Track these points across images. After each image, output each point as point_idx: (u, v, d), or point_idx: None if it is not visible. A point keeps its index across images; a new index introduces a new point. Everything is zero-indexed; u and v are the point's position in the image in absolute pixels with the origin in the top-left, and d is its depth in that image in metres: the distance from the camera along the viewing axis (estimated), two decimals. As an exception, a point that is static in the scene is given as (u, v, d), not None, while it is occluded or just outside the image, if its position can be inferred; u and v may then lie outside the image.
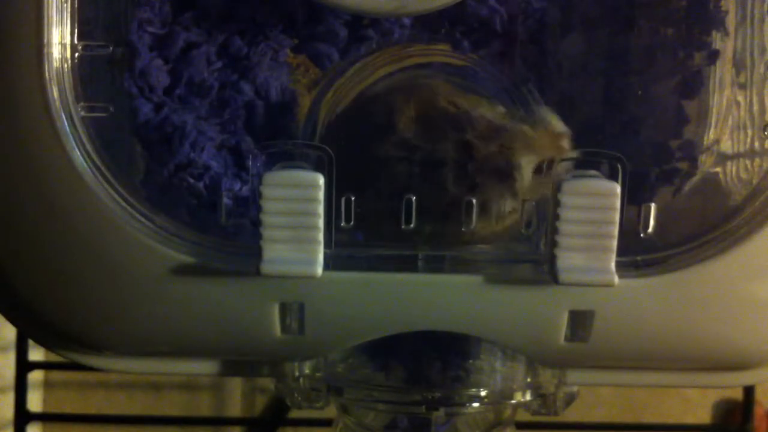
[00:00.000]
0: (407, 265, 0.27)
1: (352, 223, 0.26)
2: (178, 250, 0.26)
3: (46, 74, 0.25)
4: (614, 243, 0.25)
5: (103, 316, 0.27)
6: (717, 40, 0.28)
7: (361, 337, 0.27)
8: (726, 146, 0.28)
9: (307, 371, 0.29)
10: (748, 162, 0.28)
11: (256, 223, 0.25)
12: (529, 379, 0.29)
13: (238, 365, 0.30)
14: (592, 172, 0.25)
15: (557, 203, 0.25)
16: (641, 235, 0.27)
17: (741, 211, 0.27)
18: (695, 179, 0.28)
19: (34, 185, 0.26)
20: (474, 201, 0.27)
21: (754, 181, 0.27)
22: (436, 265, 0.27)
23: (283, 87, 0.30)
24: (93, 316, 0.27)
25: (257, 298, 0.26)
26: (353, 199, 0.26)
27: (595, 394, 0.59)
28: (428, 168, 0.27)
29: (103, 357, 0.29)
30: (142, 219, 0.26)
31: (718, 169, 0.28)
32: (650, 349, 0.27)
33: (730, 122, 0.28)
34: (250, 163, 0.27)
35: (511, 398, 0.29)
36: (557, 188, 0.25)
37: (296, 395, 0.30)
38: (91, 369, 0.30)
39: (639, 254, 0.27)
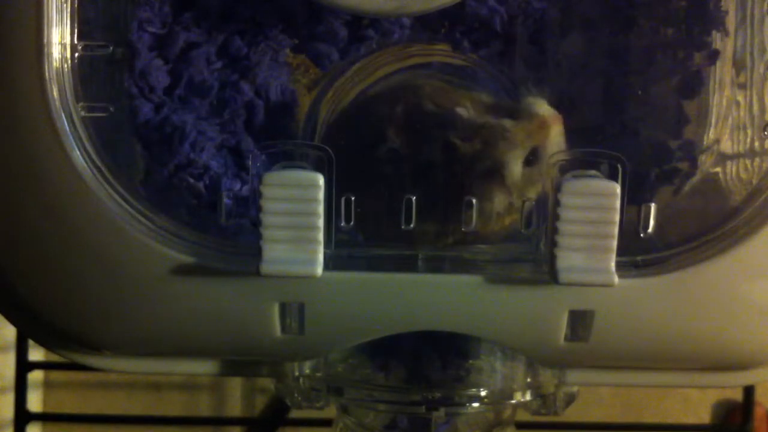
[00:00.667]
0: (407, 265, 0.27)
1: (352, 223, 0.26)
2: (178, 250, 0.26)
3: (46, 74, 0.25)
4: (614, 243, 0.25)
5: (103, 316, 0.27)
6: (717, 40, 0.28)
7: (361, 337, 0.27)
8: (726, 146, 0.28)
9: (307, 371, 0.29)
10: (748, 162, 0.28)
11: (256, 223, 0.25)
12: (529, 379, 0.29)
13: (238, 365, 0.30)
14: (592, 172, 0.25)
15: (557, 203, 0.25)
16: (641, 235, 0.27)
17: (741, 211, 0.27)
18: (695, 179, 0.28)
19: (34, 185, 0.26)
20: (473, 201, 0.27)
21: (754, 181, 0.27)
22: (436, 265, 0.27)
23: (283, 87, 0.30)
24: (93, 316, 0.27)
25: (257, 298, 0.26)
26: (353, 199, 0.26)
27: (595, 394, 0.59)
28: (422, 170, 0.27)
29: (103, 357, 0.29)
30: (142, 219, 0.26)
31: (718, 169, 0.28)
32: (650, 349, 0.27)
33: (730, 122, 0.28)
34: (250, 163, 0.27)
35: (511, 398, 0.29)
36: (557, 188, 0.25)
37: (296, 395, 0.30)
38: (91, 369, 0.30)
39: (639, 254, 0.27)
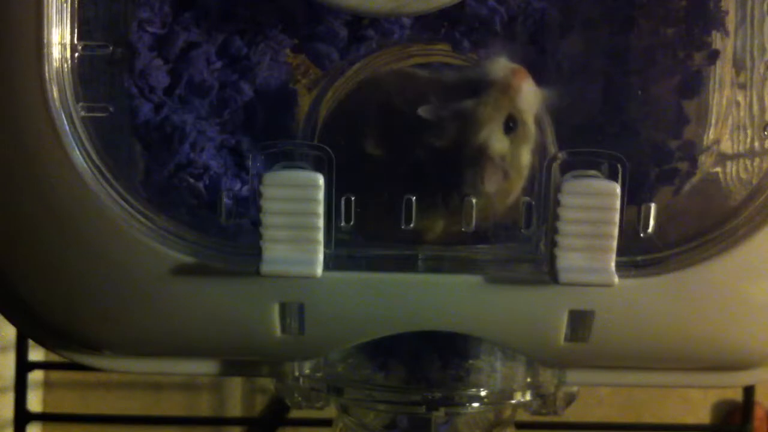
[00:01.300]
0: (407, 265, 0.27)
1: (352, 223, 0.26)
2: (178, 250, 0.26)
3: (46, 74, 0.25)
4: (614, 243, 0.25)
5: (103, 316, 0.27)
6: (717, 40, 0.28)
7: (361, 337, 0.27)
8: (726, 146, 0.28)
9: (307, 371, 0.29)
10: (748, 162, 0.28)
11: (256, 223, 0.25)
12: (529, 379, 0.29)
13: (238, 365, 0.30)
14: (592, 172, 0.25)
15: (557, 203, 0.25)
16: (641, 235, 0.27)
17: (741, 211, 0.27)
18: (695, 179, 0.28)
19: (34, 185, 0.26)
20: (473, 201, 0.27)
21: (754, 181, 0.27)
22: (436, 265, 0.27)
23: (283, 87, 0.30)
24: (93, 316, 0.27)
25: (257, 298, 0.26)
26: (353, 199, 0.26)
27: (595, 394, 0.59)
28: (413, 171, 0.27)
29: (103, 357, 0.29)
30: (142, 219, 0.26)
31: (718, 169, 0.28)
32: (650, 349, 0.27)
33: (730, 122, 0.28)
34: (250, 163, 0.27)
35: (511, 398, 0.29)
36: (557, 188, 0.25)
37: (296, 395, 0.30)
38: (91, 369, 0.30)
39: (639, 254, 0.27)
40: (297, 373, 0.29)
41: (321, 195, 0.25)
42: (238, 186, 0.29)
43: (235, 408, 0.62)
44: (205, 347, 0.28)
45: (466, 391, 0.29)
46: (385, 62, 0.30)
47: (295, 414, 0.57)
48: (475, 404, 0.29)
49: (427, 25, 0.29)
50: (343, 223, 0.26)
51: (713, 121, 0.28)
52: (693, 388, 0.58)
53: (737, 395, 0.52)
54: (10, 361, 0.50)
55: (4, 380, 0.53)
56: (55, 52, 0.26)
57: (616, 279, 0.25)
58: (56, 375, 0.61)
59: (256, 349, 0.28)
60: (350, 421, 0.31)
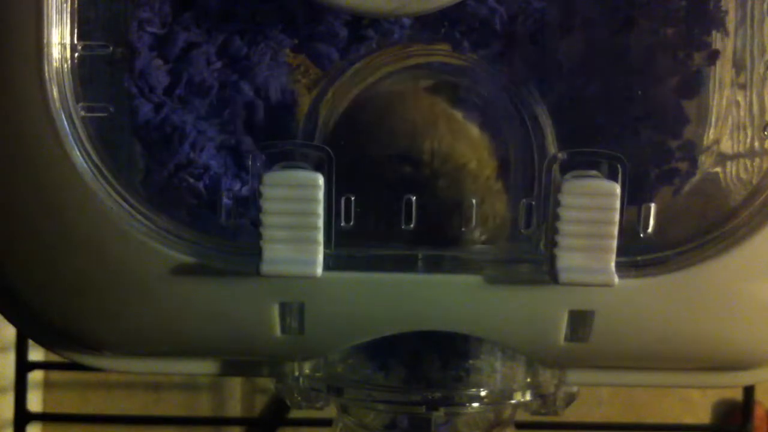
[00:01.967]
0: (407, 265, 0.27)
1: (352, 223, 0.26)
2: (178, 250, 0.26)
3: (46, 74, 0.25)
4: (614, 243, 0.25)
5: (103, 316, 0.27)
6: (717, 40, 0.28)
7: (361, 337, 0.27)
8: (726, 146, 0.28)
9: (307, 371, 0.29)
10: (747, 162, 0.28)
11: (256, 223, 0.25)
12: (529, 379, 0.29)
13: (238, 365, 0.30)
14: (592, 172, 0.25)
15: (557, 203, 0.25)
16: (641, 235, 0.27)
17: (741, 211, 0.27)
18: (695, 179, 0.28)
19: (34, 185, 0.26)
20: (474, 201, 0.27)
21: (754, 181, 0.27)
22: (436, 265, 0.27)
23: (283, 87, 0.30)
24: (93, 316, 0.27)
25: (257, 298, 0.26)
26: (353, 199, 0.26)
27: (595, 394, 0.59)
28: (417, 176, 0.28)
29: (103, 357, 0.29)
30: (142, 219, 0.26)
31: (718, 169, 0.28)
32: (650, 349, 0.27)
33: (729, 122, 0.28)
34: (250, 163, 0.27)
35: (511, 398, 0.29)
36: (557, 188, 0.25)
37: (296, 395, 0.30)
38: (91, 369, 0.30)
39: (639, 254, 0.27)
40: (297, 373, 0.29)
41: (321, 195, 0.25)
42: (238, 186, 0.29)
43: (235, 408, 0.62)
44: (205, 347, 0.28)
45: (466, 391, 0.29)
46: (386, 62, 0.30)
47: (295, 414, 0.57)
48: (475, 404, 0.29)
49: (427, 25, 0.29)
50: (343, 223, 0.26)
51: (713, 121, 0.28)
52: (693, 388, 0.59)
53: (737, 395, 0.52)
54: (10, 361, 0.51)
55: (4, 380, 0.53)
56: (55, 52, 0.26)
57: (616, 279, 0.25)
58: (56, 375, 0.61)
59: (256, 349, 0.28)
60: (350, 421, 0.31)
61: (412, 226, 0.27)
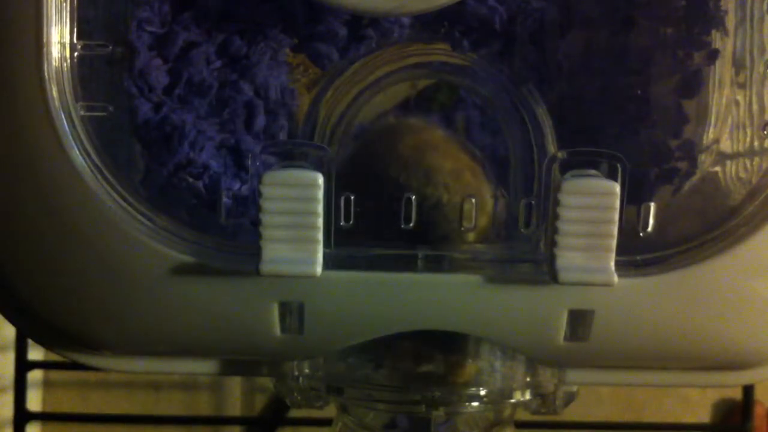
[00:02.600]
0: (407, 264, 0.27)
1: (351, 222, 0.26)
2: (178, 250, 0.26)
3: (46, 74, 0.25)
4: (614, 243, 0.25)
5: (103, 316, 0.27)
6: (717, 40, 0.28)
7: (361, 336, 0.27)
8: (725, 146, 0.28)
9: (306, 371, 0.29)
10: (747, 161, 0.28)
11: (256, 223, 0.25)
12: (528, 379, 0.29)
13: (238, 365, 0.30)
14: (592, 171, 0.25)
15: (557, 203, 0.25)
16: (641, 234, 0.27)
17: (741, 211, 0.27)
18: (695, 179, 0.28)
19: (33, 185, 0.26)
20: (473, 200, 0.27)
21: (754, 181, 0.27)
22: (436, 265, 0.27)
23: (283, 87, 0.30)
24: (93, 316, 0.27)
25: (257, 297, 0.26)
26: (353, 198, 0.26)
27: (595, 394, 0.59)
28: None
29: (103, 357, 0.29)
30: (142, 219, 0.26)
31: (718, 169, 0.28)
32: (650, 348, 0.27)
33: (729, 122, 0.28)
34: (250, 163, 0.27)
35: (511, 397, 0.29)
36: (557, 188, 0.25)
37: (296, 395, 0.30)
38: (91, 369, 0.30)
39: (639, 254, 0.27)
40: (297, 373, 0.29)
41: (321, 194, 0.25)
42: (237, 186, 0.29)
43: (234, 408, 0.62)
44: (205, 347, 0.28)
45: (466, 390, 0.29)
46: (386, 61, 0.30)
47: (295, 414, 0.57)
48: (475, 403, 0.29)
49: (427, 25, 0.29)
50: (342, 223, 0.26)
51: (713, 121, 0.28)
52: (693, 387, 0.59)
53: (737, 394, 0.52)
54: (9, 360, 0.51)
55: (4, 380, 0.53)
56: (55, 52, 0.26)
57: (616, 279, 0.25)
58: (56, 374, 0.61)
59: (255, 349, 0.28)
60: (350, 421, 0.31)
61: (411, 225, 0.27)
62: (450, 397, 0.29)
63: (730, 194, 0.28)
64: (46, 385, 0.61)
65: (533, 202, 0.27)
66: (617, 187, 0.25)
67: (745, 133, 0.28)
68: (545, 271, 0.25)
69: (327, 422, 0.33)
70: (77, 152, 0.26)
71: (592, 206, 0.25)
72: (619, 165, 0.25)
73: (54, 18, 0.26)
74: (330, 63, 0.29)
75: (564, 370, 0.29)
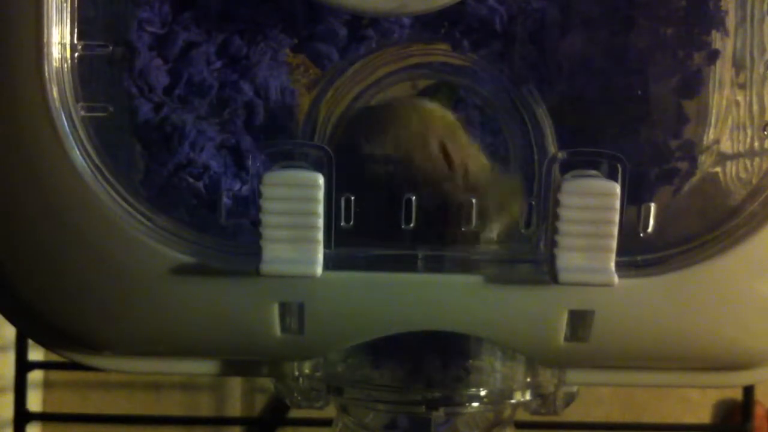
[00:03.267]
0: (407, 264, 0.27)
1: (351, 222, 0.26)
2: (178, 250, 0.26)
3: (46, 74, 0.25)
4: (614, 243, 0.25)
5: (103, 316, 0.27)
6: (717, 40, 0.28)
7: (361, 337, 0.27)
8: (726, 146, 0.28)
9: (306, 371, 0.29)
10: (747, 162, 0.28)
11: (256, 223, 0.25)
12: (528, 379, 0.29)
13: (238, 365, 0.30)
14: (592, 172, 0.25)
15: (557, 203, 0.25)
16: (641, 234, 0.27)
17: (741, 211, 0.27)
18: (695, 179, 0.28)
19: (34, 185, 0.26)
20: (473, 200, 0.27)
21: (754, 181, 0.27)
22: (436, 265, 0.27)
23: (283, 87, 0.30)
24: (93, 316, 0.27)
25: (257, 298, 0.26)
26: (353, 198, 0.26)
27: (595, 394, 0.59)
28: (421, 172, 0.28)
29: (103, 357, 0.29)
30: (142, 219, 0.26)
31: (718, 169, 0.28)
32: (650, 349, 0.27)
33: (729, 122, 0.28)
34: (250, 163, 0.27)
35: (511, 398, 0.29)
36: (557, 188, 0.25)
37: (296, 395, 0.30)
38: (91, 369, 0.30)
39: (639, 254, 0.27)
40: (297, 373, 0.29)
41: (321, 194, 0.25)
42: (237, 186, 0.29)
43: (234, 408, 0.62)
44: (205, 347, 0.28)
45: (466, 390, 0.29)
46: (386, 62, 0.30)
47: (295, 414, 0.57)
48: (475, 404, 0.29)
49: (427, 25, 0.29)
50: (342, 223, 0.26)
51: (713, 121, 0.28)
52: (693, 388, 0.59)
53: (737, 395, 0.53)
54: (9, 360, 0.51)
55: (4, 380, 0.53)
56: (55, 52, 0.26)
57: (616, 279, 0.25)
58: (56, 375, 0.61)
59: (255, 349, 0.28)
60: (350, 421, 0.31)
61: (412, 225, 0.27)
62: (450, 398, 0.29)
63: (730, 194, 0.28)
64: (47, 385, 0.61)
65: (533, 202, 0.27)
66: (617, 188, 0.25)
67: (746, 133, 0.28)
68: (545, 272, 0.25)
69: (327, 422, 0.33)
70: (77, 152, 0.26)
71: (592, 207, 0.25)
72: (619, 165, 0.25)
73: (54, 18, 0.26)
74: (330, 63, 0.29)
75: (564, 370, 0.29)
